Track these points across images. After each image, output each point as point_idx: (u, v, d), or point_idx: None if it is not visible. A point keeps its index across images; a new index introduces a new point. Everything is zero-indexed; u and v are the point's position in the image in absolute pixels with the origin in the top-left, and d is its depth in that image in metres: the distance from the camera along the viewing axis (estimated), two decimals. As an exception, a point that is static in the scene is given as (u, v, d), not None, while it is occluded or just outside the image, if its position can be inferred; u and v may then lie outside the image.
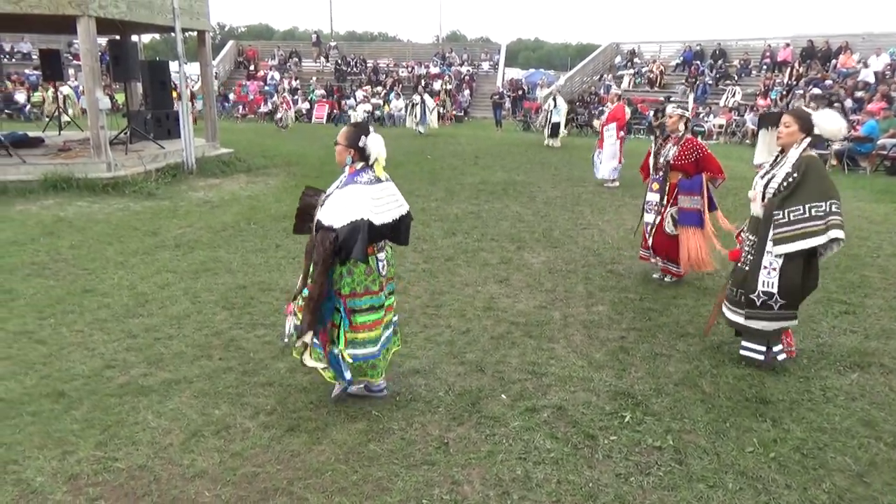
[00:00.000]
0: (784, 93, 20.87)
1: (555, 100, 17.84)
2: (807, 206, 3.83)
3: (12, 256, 6.54)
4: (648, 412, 3.71)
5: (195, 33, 13.06)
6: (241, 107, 28.24)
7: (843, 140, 14.45)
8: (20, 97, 24.93)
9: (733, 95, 22.60)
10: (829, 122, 3.95)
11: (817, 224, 3.80)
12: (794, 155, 3.95)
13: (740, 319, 4.21)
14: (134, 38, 13.88)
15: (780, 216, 3.91)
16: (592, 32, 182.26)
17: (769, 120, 4.53)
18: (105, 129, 10.18)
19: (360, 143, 3.50)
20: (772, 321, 4.08)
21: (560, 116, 17.79)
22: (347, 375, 3.56)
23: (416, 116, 20.88)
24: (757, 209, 4.13)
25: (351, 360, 3.53)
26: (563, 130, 18.26)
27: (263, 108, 27.34)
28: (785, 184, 3.94)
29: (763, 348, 4.18)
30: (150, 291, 5.62)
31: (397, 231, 3.64)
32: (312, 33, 37.16)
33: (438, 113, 22.07)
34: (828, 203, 3.80)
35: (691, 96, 6.73)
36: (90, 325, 4.87)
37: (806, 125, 3.94)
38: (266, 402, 3.77)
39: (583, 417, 3.64)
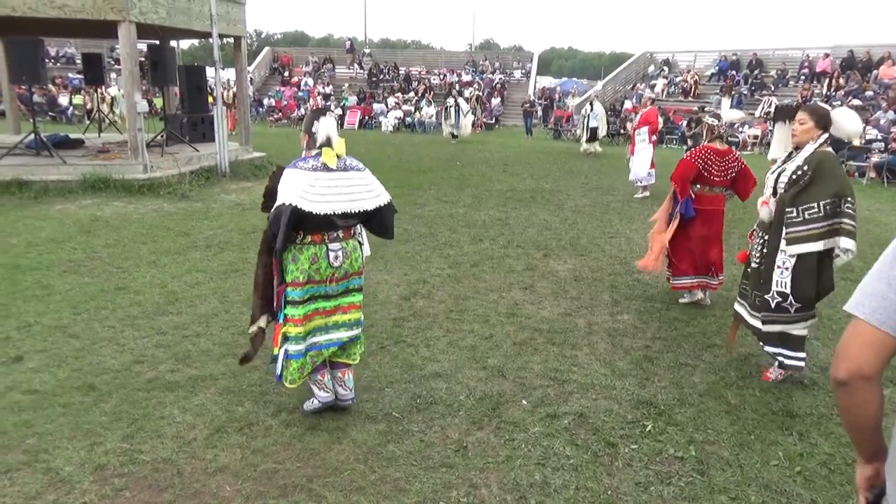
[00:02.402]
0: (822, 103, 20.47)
1: (591, 105, 17.68)
2: (821, 204, 3.68)
3: (50, 253, 6.73)
4: (671, 422, 3.66)
5: (232, 39, 13.31)
6: (274, 112, 28.66)
7: (883, 152, 14.14)
8: (63, 100, 25.67)
9: (769, 106, 22.21)
10: (847, 122, 3.81)
11: (832, 224, 3.67)
12: (808, 150, 3.81)
13: (757, 323, 4.10)
14: (172, 43, 14.21)
15: (794, 214, 3.76)
16: (627, 41, 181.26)
17: (785, 113, 4.40)
18: (142, 132, 10.43)
19: (313, 129, 3.42)
20: (792, 324, 3.93)
21: (598, 121, 17.58)
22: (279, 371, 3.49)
23: (450, 119, 20.98)
24: (764, 214, 4.00)
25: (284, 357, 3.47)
26: (601, 132, 18.04)
27: (297, 114, 27.71)
28: (794, 177, 3.79)
29: (778, 350, 4.05)
30: (180, 290, 5.73)
31: (376, 223, 3.61)
32: (346, 40, 37.57)
33: (471, 120, 22.13)
34: (842, 201, 3.65)
35: (726, 102, 6.56)
36: (122, 322, 4.99)
37: (822, 121, 3.80)
38: (288, 401, 3.82)
39: (604, 425, 3.62)
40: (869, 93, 20.06)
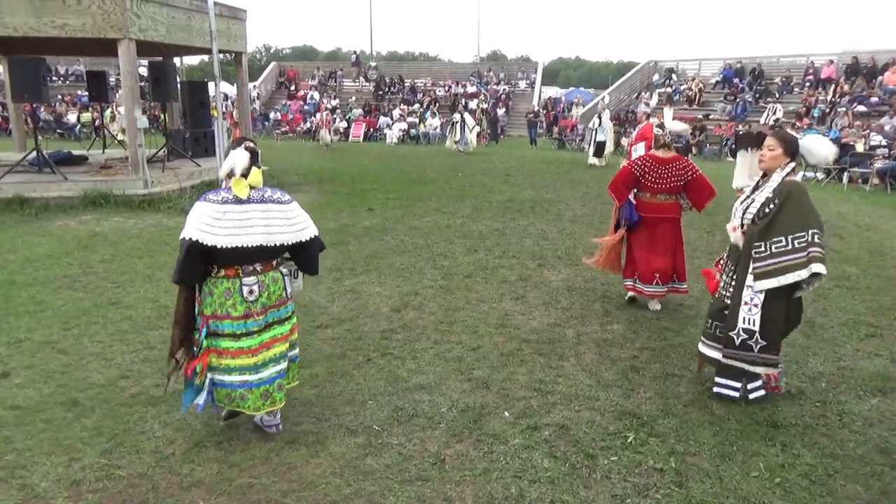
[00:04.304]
0: (827, 110, 20.37)
1: (599, 117, 17.61)
2: (789, 238, 3.60)
3: (47, 269, 6.79)
4: (653, 433, 3.63)
5: (233, 55, 13.44)
6: (281, 125, 28.86)
7: (887, 158, 14.04)
8: (72, 117, 25.99)
9: (774, 113, 22.09)
10: (818, 147, 3.76)
11: (799, 257, 3.58)
12: (776, 179, 3.75)
13: (717, 355, 3.96)
14: (176, 60, 14.37)
15: (762, 248, 3.68)
16: (634, 50, 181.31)
17: (747, 141, 4.35)
18: (143, 148, 10.54)
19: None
20: (751, 364, 3.81)
21: (605, 135, 17.46)
22: (201, 399, 3.42)
23: (455, 135, 20.99)
24: (735, 239, 3.92)
25: (213, 385, 3.43)
26: (609, 147, 17.91)
27: (302, 127, 27.91)
28: (766, 210, 3.72)
29: (738, 384, 3.91)
30: (172, 304, 5.68)
31: (299, 258, 3.53)
32: (352, 53, 37.84)
33: (477, 132, 22.14)
34: (810, 233, 3.58)
35: (668, 112, 6.60)
36: (111, 336, 5.01)
37: (791, 149, 3.74)
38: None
39: (584, 437, 3.59)
40: (874, 99, 19.93)
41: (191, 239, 3.20)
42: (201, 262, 3.29)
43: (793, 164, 3.77)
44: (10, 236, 8.17)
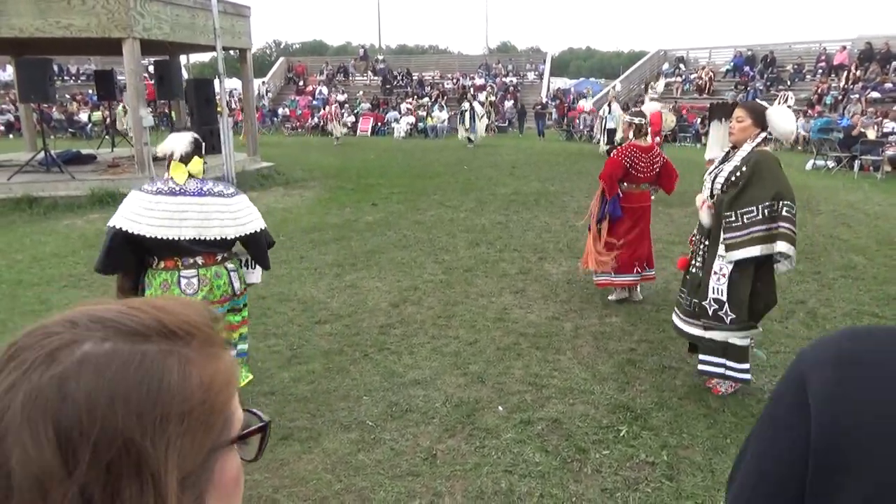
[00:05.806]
0: (839, 97, 20.11)
1: (609, 105, 17.55)
2: (760, 207, 3.54)
3: (53, 268, 6.87)
4: (646, 426, 3.62)
5: (237, 52, 13.48)
6: (289, 121, 28.94)
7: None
8: (83, 116, 26.20)
9: (785, 101, 21.81)
10: (780, 121, 3.66)
11: (770, 228, 3.53)
12: (746, 149, 3.68)
13: (696, 331, 3.91)
14: (183, 58, 14.44)
15: (733, 218, 3.62)
16: (645, 40, 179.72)
17: (721, 111, 4.27)
18: (148, 146, 10.61)
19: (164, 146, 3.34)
20: (730, 331, 3.73)
21: (615, 122, 17.40)
22: None
23: (465, 124, 20.97)
24: (703, 217, 3.88)
25: None
26: (619, 134, 17.82)
27: (311, 122, 27.97)
28: (733, 178, 3.66)
29: (721, 361, 3.84)
30: (173, 302, 5.79)
31: (251, 252, 3.50)
32: (360, 48, 37.84)
33: (486, 123, 22.06)
34: (780, 204, 3.52)
35: (647, 98, 6.51)
36: (112, 334, 5.06)
37: (760, 119, 3.67)
38: (265, 411, 3.83)
39: (577, 430, 3.58)
40: (888, 84, 19.66)
41: (114, 227, 3.17)
42: (128, 253, 3.24)
43: (763, 135, 3.70)
44: (18, 235, 8.27)
